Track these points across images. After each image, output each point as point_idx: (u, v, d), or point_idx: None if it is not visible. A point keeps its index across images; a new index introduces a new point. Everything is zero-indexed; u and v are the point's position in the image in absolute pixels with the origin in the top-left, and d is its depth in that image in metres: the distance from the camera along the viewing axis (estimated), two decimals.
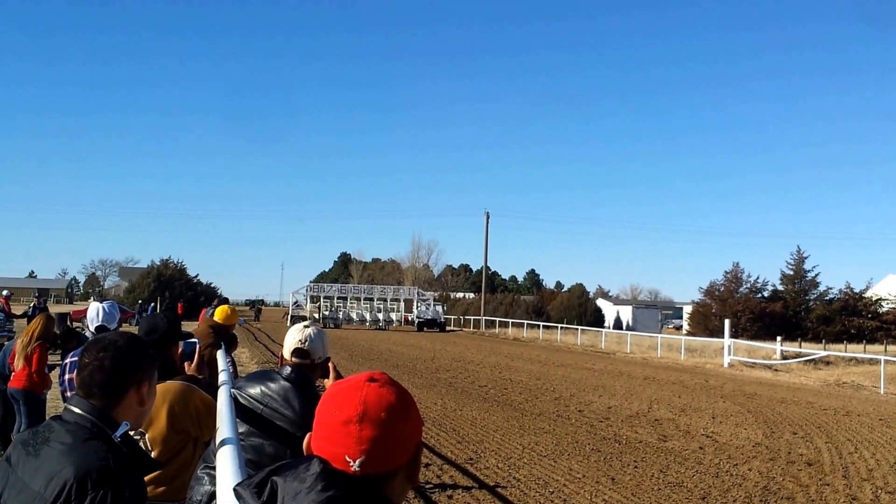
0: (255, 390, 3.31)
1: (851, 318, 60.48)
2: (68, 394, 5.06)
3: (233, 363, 7.12)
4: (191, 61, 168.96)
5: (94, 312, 5.33)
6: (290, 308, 58.75)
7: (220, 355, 5.48)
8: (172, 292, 64.88)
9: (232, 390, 3.34)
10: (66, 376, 5.12)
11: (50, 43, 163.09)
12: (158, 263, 76.20)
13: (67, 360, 5.19)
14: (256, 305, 78.87)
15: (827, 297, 63.84)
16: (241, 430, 3.16)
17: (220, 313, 7.01)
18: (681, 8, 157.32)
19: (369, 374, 1.44)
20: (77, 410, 2.15)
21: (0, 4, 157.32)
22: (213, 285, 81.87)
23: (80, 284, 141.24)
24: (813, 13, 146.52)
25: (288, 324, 50.44)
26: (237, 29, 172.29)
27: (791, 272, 64.55)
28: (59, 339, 8.98)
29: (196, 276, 78.78)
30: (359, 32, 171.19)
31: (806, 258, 64.53)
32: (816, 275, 64.38)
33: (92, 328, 5.35)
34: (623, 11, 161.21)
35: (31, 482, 2.01)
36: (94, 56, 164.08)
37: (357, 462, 1.34)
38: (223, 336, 6.62)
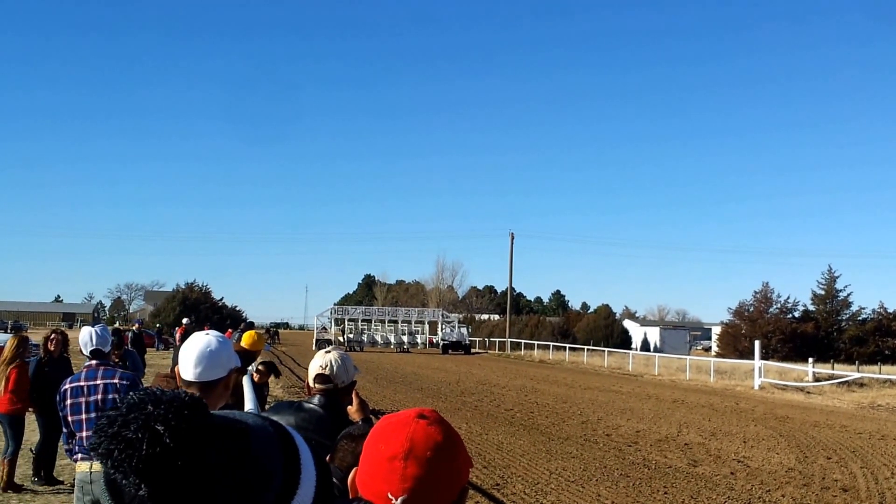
0: (287, 421, 3.25)
1: (885, 339, 59.30)
2: (70, 418, 5.03)
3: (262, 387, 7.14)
4: (213, 87, 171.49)
5: (87, 337, 5.31)
6: (316, 332, 58.66)
7: (246, 381, 5.46)
8: (198, 316, 65.37)
9: None
10: (68, 401, 5.09)
11: (67, 69, 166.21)
12: (184, 287, 77.00)
13: (67, 386, 5.15)
14: (270, 330, 70.72)
15: (860, 317, 62.65)
16: None
17: (246, 338, 7.03)
18: (709, 32, 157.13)
19: (419, 410, 1.40)
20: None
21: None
22: (237, 308, 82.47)
23: (106, 308, 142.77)
24: (855, 58, 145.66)
25: (314, 347, 50.55)
26: (264, 65, 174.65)
27: (822, 292, 63.54)
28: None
29: (221, 300, 79.46)
30: (385, 59, 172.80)
31: (837, 277, 63.54)
32: (849, 294, 63.33)
33: (86, 352, 5.33)
34: (647, 36, 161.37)
35: None
36: (115, 85, 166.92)
37: (399, 500, 1.30)
38: (249, 362, 6.63)
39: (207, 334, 2.97)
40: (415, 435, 1.33)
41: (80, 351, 5.44)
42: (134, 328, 23.07)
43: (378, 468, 1.32)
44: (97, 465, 4.88)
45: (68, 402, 5.05)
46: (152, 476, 0.87)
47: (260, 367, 8.31)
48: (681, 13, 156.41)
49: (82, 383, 5.09)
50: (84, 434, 4.96)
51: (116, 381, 5.13)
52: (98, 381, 5.09)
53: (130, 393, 0.94)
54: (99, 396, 5.03)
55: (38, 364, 8.83)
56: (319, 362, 3.38)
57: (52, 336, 9.00)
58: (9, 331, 51.73)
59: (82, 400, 5.02)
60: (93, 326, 5.51)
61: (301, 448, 1.04)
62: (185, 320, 23.19)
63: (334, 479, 2.25)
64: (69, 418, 5.03)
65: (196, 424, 0.91)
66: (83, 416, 5.00)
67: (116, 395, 5.03)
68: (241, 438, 0.96)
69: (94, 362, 5.23)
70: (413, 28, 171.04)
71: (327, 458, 2.43)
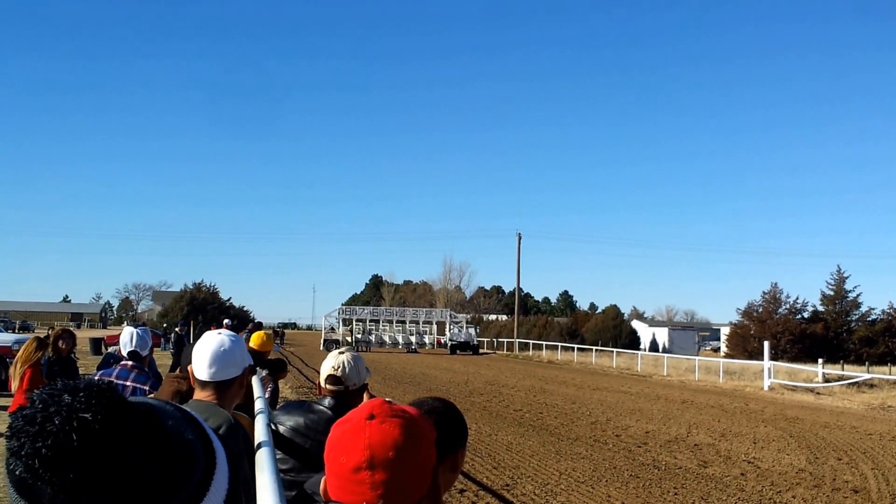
0: (296, 422, 3.24)
1: (895, 340, 59.09)
2: None
3: (277, 391, 7.15)
4: (218, 87, 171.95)
5: (128, 337, 5.35)
6: (324, 332, 58.74)
7: (256, 382, 5.44)
8: (205, 316, 65.49)
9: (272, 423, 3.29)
10: None
11: (62, 68, 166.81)
12: (191, 287, 77.17)
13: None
14: (276, 331, 69.00)
15: (869, 318, 62.44)
16: (286, 466, 3.11)
17: (255, 339, 7.06)
18: (718, 32, 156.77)
19: (369, 408, 1.34)
20: None
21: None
22: (245, 308, 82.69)
23: (114, 309, 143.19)
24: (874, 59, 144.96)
25: (322, 347, 50.59)
26: (274, 65, 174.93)
27: (832, 292, 63.31)
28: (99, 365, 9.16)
29: (229, 300, 79.65)
30: (393, 59, 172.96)
31: (847, 278, 63.31)
32: (858, 295, 63.11)
33: (125, 353, 5.36)
34: (656, 36, 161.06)
35: None
36: (128, 83, 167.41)
37: None
38: (258, 362, 6.63)
39: (220, 333, 2.97)
40: (371, 440, 1.28)
41: (119, 350, 5.45)
42: (177, 329, 22.90)
43: (345, 481, 1.29)
44: None
45: None
46: (83, 469, 0.82)
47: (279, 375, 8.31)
48: (688, 13, 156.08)
49: (112, 380, 5.02)
50: None
51: (147, 387, 5.05)
52: (129, 383, 5.04)
53: (36, 390, 0.88)
54: None
55: (49, 363, 8.87)
56: (332, 363, 3.37)
57: (63, 336, 9.03)
58: (17, 330, 51.99)
59: None
60: (136, 328, 5.54)
61: (209, 431, 1.00)
62: (225, 321, 23.23)
63: None
64: None
65: (120, 409, 0.86)
66: None
67: None
68: (161, 422, 0.91)
69: (129, 363, 5.20)
70: (420, 28, 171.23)
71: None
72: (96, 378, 0.89)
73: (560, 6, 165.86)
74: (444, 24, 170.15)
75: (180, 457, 0.89)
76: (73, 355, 9.23)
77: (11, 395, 9.02)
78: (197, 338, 4.88)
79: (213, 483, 0.93)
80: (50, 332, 8.77)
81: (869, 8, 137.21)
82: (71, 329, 10.24)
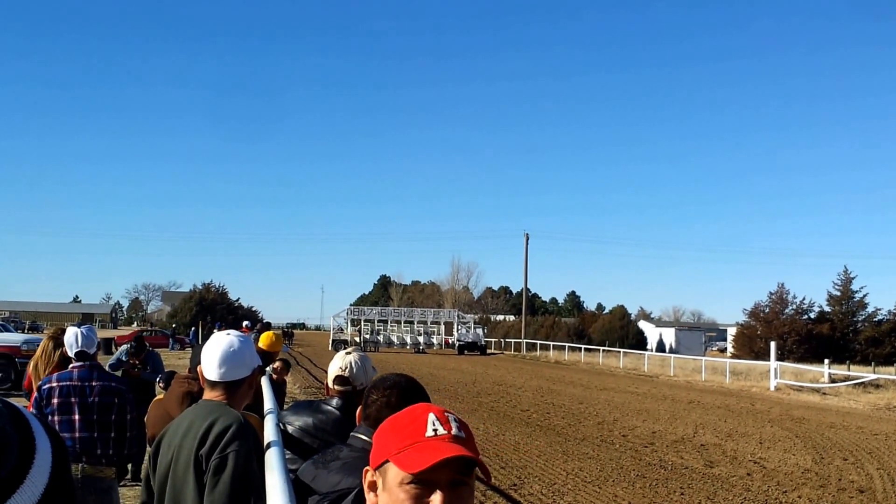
0: (304, 422, 3.29)
1: None
2: (56, 417, 4.75)
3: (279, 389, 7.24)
4: (224, 87, 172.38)
5: (73, 338, 5.06)
6: (332, 332, 58.91)
7: (265, 382, 5.50)
8: (214, 316, 65.66)
9: (281, 423, 3.35)
10: (55, 399, 4.81)
11: (62, 66, 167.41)
12: (200, 287, 77.41)
13: (55, 384, 4.87)
14: (285, 331, 67.71)
15: (876, 319, 62.31)
16: (295, 466, 3.17)
17: (264, 339, 7.09)
18: (726, 33, 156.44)
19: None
20: (366, 438, 2.37)
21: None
22: (254, 308, 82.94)
23: (124, 309, 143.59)
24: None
25: (330, 348, 50.68)
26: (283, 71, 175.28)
27: (838, 293, 63.14)
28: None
29: (237, 300, 79.87)
30: (399, 59, 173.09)
31: (853, 278, 63.16)
32: (865, 295, 62.97)
33: (71, 353, 5.08)
34: (660, 37, 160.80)
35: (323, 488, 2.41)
36: (137, 82, 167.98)
37: None
38: (267, 362, 6.69)
39: (229, 334, 3.03)
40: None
41: (65, 352, 5.17)
42: (215, 330, 22.85)
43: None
44: (86, 469, 4.75)
45: (55, 400, 4.80)
46: None
47: (276, 365, 8.41)
48: (693, 12, 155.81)
49: (76, 383, 4.86)
50: (77, 435, 4.76)
51: (114, 384, 4.99)
52: (94, 383, 4.89)
53: None
54: (97, 399, 4.84)
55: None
56: (339, 364, 3.41)
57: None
58: (26, 331, 52.22)
59: (74, 400, 4.81)
60: (79, 327, 5.26)
61: (35, 427, 0.96)
62: (245, 323, 23.35)
63: (363, 436, 2.41)
64: (55, 417, 4.75)
65: None
66: (76, 417, 4.80)
67: (117, 399, 4.89)
68: None
69: (86, 363, 4.99)
70: (428, 27, 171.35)
71: (357, 412, 2.55)
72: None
73: (567, 5, 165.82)
74: (452, 23, 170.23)
75: None
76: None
77: (22, 394, 9.08)
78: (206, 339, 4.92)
79: (29, 477, 0.91)
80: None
81: (873, 7, 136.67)
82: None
